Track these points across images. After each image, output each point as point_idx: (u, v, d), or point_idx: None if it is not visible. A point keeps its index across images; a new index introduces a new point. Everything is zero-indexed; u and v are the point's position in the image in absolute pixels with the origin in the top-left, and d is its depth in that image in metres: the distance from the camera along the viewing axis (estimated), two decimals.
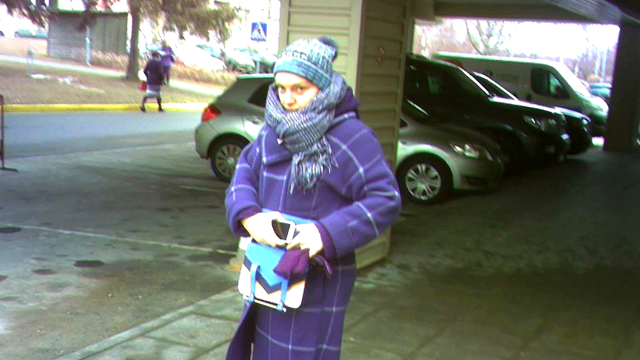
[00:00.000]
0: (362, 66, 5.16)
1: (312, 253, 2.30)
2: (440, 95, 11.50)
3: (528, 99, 15.36)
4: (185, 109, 21.35)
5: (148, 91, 19.34)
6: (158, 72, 19.56)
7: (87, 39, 29.42)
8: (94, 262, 5.54)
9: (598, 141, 16.39)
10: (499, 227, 7.58)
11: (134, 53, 26.58)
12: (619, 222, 8.37)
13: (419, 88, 11.30)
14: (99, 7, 26.84)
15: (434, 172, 8.81)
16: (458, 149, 8.88)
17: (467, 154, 8.90)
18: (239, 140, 9.48)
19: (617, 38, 16.62)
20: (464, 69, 12.58)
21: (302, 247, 2.31)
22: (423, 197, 8.82)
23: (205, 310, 4.50)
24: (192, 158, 11.12)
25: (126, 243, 6.14)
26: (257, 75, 20.10)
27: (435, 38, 49.01)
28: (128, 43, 29.55)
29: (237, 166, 2.58)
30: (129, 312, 4.52)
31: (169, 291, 4.97)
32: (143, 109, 19.34)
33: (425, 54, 36.64)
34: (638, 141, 16.96)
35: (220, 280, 5.27)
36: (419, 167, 8.85)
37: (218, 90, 20.53)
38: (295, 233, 2.33)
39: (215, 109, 9.90)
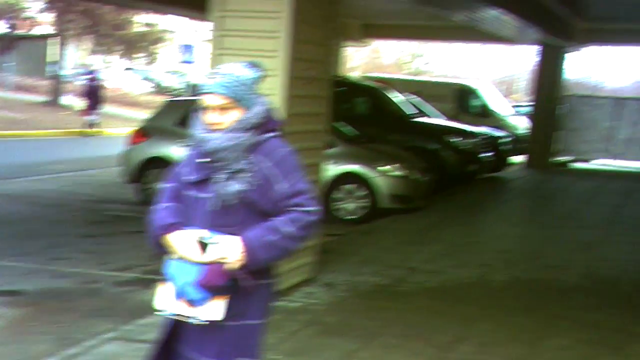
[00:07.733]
0: (290, 88, 5.27)
1: (232, 267, 2.38)
2: (366, 116, 11.74)
3: (455, 118, 15.82)
4: (111, 132, 20.97)
5: (93, 117, 19.35)
6: (96, 96, 19.54)
7: (9, 64, 28.51)
8: (14, 292, 5.40)
9: (518, 159, 16.98)
10: (423, 244, 7.81)
11: (57, 77, 25.96)
12: (536, 237, 8.76)
13: (346, 109, 11.51)
14: (22, 31, 26.14)
15: (363, 192, 8.99)
16: (385, 168, 9.08)
17: (393, 173, 9.12)
18: (167, 164, 9.39)
19: (537, 58, 17.27)
20: (393, 89, 12.88)
21: (223, 261, 2.38)
22: (352, 217, 8.97)
23: (130, 335, 4.47)
24: (118, 183, 10.92)
25: (48, 271, 6.00)
26: (186, 97, 19.98)
27: (366, 59, 49.91)
28: (51, 67, 28.83)
29: (163, 185, 2.64)
30: (50, 341, 4.43)
31: (93, 318, 4.90)
32: (87, 134, 19.33)
33: (356, 75, 37.23)
34: (554, 159, 17.53)
35: (146, 305, 5.20)
36: (347, 187, 9.00)
37: (145, 114, 20.27)
38: (216, 247, 2.40)
39: (143, 133, 9.81)
